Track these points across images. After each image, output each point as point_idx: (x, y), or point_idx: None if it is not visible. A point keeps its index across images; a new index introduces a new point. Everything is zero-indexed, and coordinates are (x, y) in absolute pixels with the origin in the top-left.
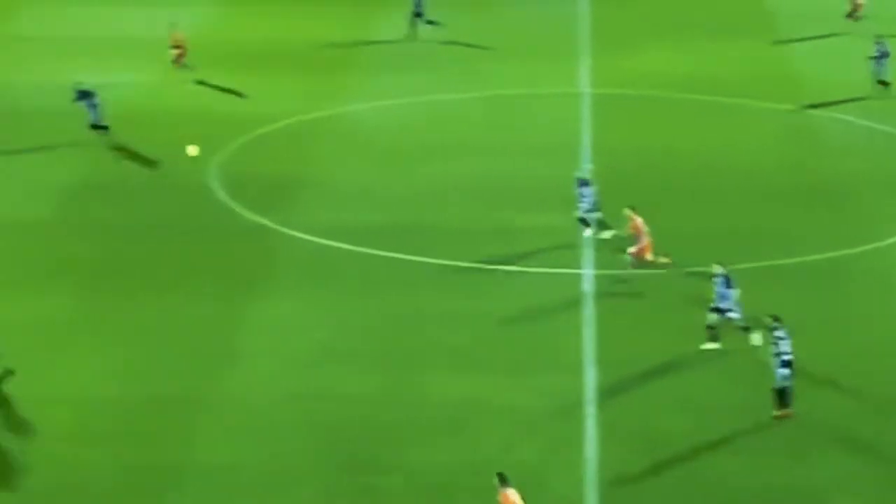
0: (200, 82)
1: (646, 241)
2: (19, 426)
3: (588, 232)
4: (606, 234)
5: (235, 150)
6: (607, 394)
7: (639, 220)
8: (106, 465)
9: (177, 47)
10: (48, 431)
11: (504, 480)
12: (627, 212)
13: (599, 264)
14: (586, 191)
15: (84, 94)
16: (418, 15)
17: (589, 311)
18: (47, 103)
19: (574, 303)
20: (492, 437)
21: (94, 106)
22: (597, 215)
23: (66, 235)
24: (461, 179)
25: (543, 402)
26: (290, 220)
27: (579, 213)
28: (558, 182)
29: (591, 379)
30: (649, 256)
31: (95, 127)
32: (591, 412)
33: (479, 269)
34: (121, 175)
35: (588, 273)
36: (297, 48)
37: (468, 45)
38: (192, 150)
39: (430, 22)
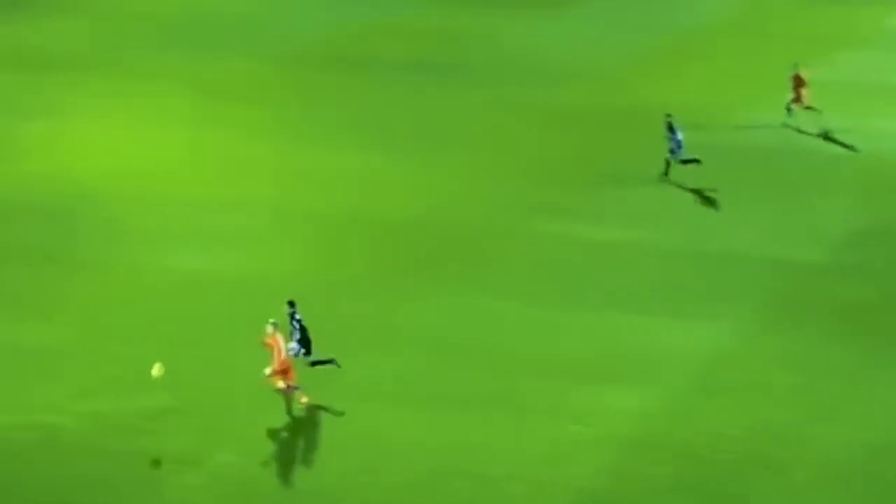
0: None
1: None
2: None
3: None
4: None
5: None
6: None
7: None
8: None
9: (798, 88)
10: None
11: None
12: None
13: None
14: None
15: (671, 129)
16: None
17: None
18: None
19: None
20: None
21: (676, 141)
22: None
23: (842, 278)
24: None
25: None
26: None
27: None
28: None
29: None
30: None
31: (683, 161)
32: None
33: None
34: None
35: None
36: None
37: None
38: (156, 371)
39: None
